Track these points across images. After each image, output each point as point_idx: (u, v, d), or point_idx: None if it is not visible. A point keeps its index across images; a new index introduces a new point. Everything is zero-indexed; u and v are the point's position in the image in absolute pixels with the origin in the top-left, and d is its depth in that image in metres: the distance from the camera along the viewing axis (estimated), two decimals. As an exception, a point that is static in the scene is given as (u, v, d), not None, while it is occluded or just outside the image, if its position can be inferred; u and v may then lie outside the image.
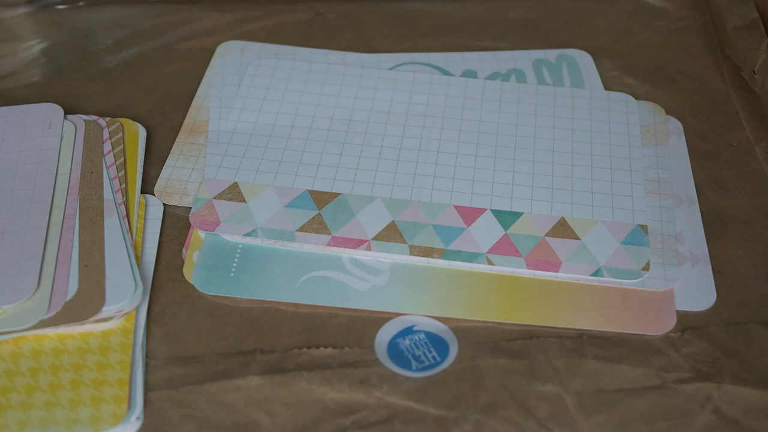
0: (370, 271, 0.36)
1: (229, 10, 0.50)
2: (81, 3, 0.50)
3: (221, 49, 0.47)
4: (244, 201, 0.38)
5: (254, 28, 0.48)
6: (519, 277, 0.36)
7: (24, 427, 0.31)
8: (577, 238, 0.37)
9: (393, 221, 0.37)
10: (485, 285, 0.35)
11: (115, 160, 0.39)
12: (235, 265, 0.36)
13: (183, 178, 0.39)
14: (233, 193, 0.38)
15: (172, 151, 0.41)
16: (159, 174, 0.40)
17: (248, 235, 0.36)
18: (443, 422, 0.31)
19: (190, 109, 0.43)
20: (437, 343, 0.34)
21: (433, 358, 0.33)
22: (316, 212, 0.37)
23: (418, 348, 0.34)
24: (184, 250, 0.36)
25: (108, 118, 0.41)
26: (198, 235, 0.37)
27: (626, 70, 0.46)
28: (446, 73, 0.45)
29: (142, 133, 0.41)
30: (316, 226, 0.37)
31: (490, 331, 0.34)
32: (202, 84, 0.44)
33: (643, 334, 0.34)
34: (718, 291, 0.36)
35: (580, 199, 0.38)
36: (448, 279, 0.36)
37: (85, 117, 0.41)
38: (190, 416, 0.31)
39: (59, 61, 0.46)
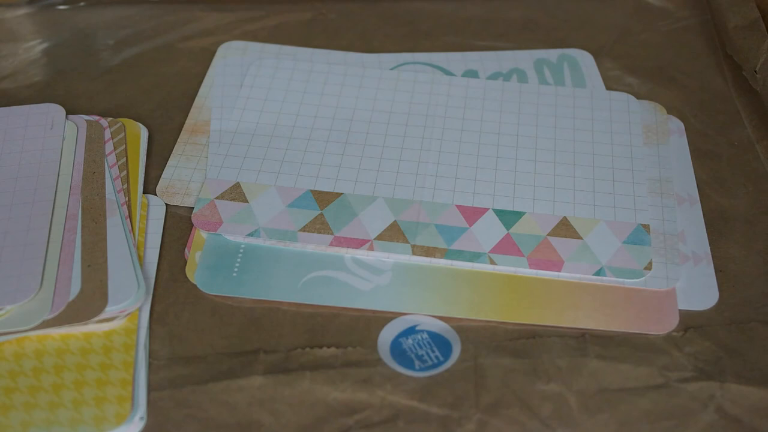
0: (373, 271, 0.36)
1: (230, 10, 0.50)
2: (82, 3, 0.50)
3: (222, 49, 0.47)
4: (246, 201, 0.38)
5: (255, 28, 0.48)
6: (521, 276, 0.36)
7: (27, 428, 0.31)
8: (579, 237, 0.37)
9: (395, 221, 0.37)
10: (488, 284, 0.35)
11: (117, 161, 0.39)
12: (237, 265, 0.36)
13: (185, 178, 0.39)
14: (235, 193, 0.38)
15: (174, 151, 0.41)
16: (161, 174, 0.40)
17: (250, 235, 0.36)
18: (446, 422, 0.31)
19: (192, 109, 0.43)
20: (440, 342, 0.34)
21: (436, 357, 0.33)
22: (319, 212, 0.37)
23: (421, 347, 0.34)
24: (186, 250, 0.36)
25: (110, 119, 0.41)
26: (200, 235, 0.37)
27: (627, 69, 0.46)
28: (447, 72, 0.45)
29: (143, 133, 0.41)
30: (319, 226, 0.37)
31: (492, 330, 0.34)
32: (203, 84, 0.44)
33: (646, 334, 0.34)
34: (720, 290, 0.36)
35: (582, 199, 0.38)
36: (450, 279, 0.36)
37: (86, 117, 0.41)
38: (194, 416, 0.31)
39: (60, 61, 0.46)
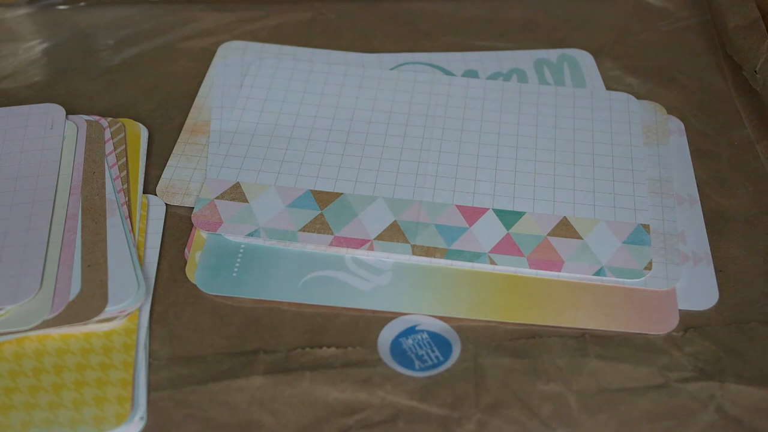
0: (373, 271, 0.36)
1: (230, 10, 0.50)
2: (82, 3, 0.50)
3: (222, 49, 0.47)
4: (246, 201, 0.38)
5: (255, 28, 0.48)
6: (521, 276, 0.36)
7: (28, 428, 0.31)
8: (579, 237, 0.37)
9: (395, 221, 0.37)
10: (488, 284, 0.35)
11: (117, 161, 0.39)
12: (237, 265, 0.36)
13: (185, 178, 0.39)
14: (235, 193, 0.38)
15: (174, 151, 0.41)
16: (161, 174, 0.40)
17: (250, 235, 0.36)
18: (446, 422, 0.31)
19: (192, 109, 0.43)
20: (440, 342, 0.34)
21: (436, 357, 0.33)
22: (319, 212, 0.37)
23: (421, 347, 0.34)
24: (186, 250, 0.36)
25: (110, 119, 0.41)
26: (200, 235, 0.37)
27: (627, 69, 0.46)
28: (447, 72, 0.45)
29: (143, 133, 0.41)
30: (319, 226, 0.37)
31: (492, 330, 0.34)
32: (203, 84, 0.44)
33: (646, 334, 0.34)
34: (720, 290, 0.36)
35: (582, 199, 0.38)
36: (450, 279, 0.36)
37: (86, 117, 0.41)
38: (194, 416, 0.31)
39: (60, 61, 0.46)
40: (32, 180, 0.37)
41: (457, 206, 0.38)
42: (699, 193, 0.39)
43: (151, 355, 0.33)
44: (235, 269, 0.36)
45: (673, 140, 0.42)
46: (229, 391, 0.32)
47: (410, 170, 0.39)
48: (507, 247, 0.36)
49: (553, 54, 0.47)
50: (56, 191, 0.37)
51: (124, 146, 0.40)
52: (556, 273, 0.36)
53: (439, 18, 0.49)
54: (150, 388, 0.32)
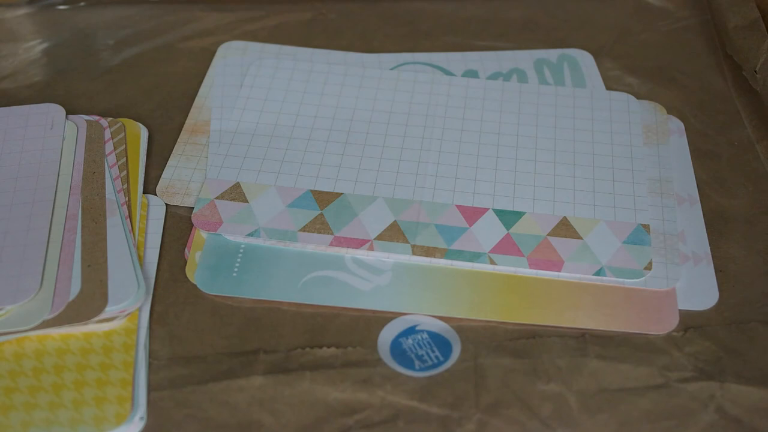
0: (373, 271, 0.36)
1: (230, 10, 0.50)
2: (82, 3, 0.50)
3: (222, 49, 0.47)
4: (246, 201, 0.38)
5: (255, 28, 0.48)
6: (521, 276, 0.36)
7: (27, 428, 0.31)
8: (579, 237, 0.37)
9: (395, 221, 0.37)
10: (488, 284, 0.35)
11: (117, 161, 0.39)
12: (237, 265, 0.36)
13: (185, 178, 0.39)
14: (235, 193, 0.38)
15: (174, 151, 0.41)
16: (161, 174, 0.40)
17: (250, 235, 0.36)
18: (446, 422, 0.31)
19: (192, 109, 0.43)
20: (440, 342, 0.34)
21: (436, 357, 0.33)
22: (319, 212, 0.37)
23: (421, 347, 0.34)
24: (186, 250, 0.36)
25: (110, 119, 0.41)
26: (200, 235, 0.37)
27: (627, 69, 0.46)
28: (447, 72, 0.45)
29: (143, 133, 0.41)
30: (319, 226, 0.37)
31: (492, 330, 0.34)
32: (203, 84, 0.44)
33: (646, 334, 0.34)
34: (720, 290, 0.36)
35: (582, 199, 0.38)
36: (450, 279, 0.36)
37: (86, 117, 0.41)
38: (194, 416, 0.31)
39: (60, 61, 0.46)
40: (32, 180, 0.37)
41: (457, 206, 0.38)
42: (699, 193, 0.39)
43: (151, 355, 0.33)
44: (235, 269, 0.36)
45: (673, 140, 0.42)
46: (229, 391, 0.32)
47: (410, 170, 0.39)
48: (507, 247, 0.36)
49: (553, 54, 0.47)
50: (56, 191, 0.37)
51: (124, 146, 0.40)
52: (556, 273, 0.36)
53: (439, 18, 0.49)
54: (150, 388, 0.32)
